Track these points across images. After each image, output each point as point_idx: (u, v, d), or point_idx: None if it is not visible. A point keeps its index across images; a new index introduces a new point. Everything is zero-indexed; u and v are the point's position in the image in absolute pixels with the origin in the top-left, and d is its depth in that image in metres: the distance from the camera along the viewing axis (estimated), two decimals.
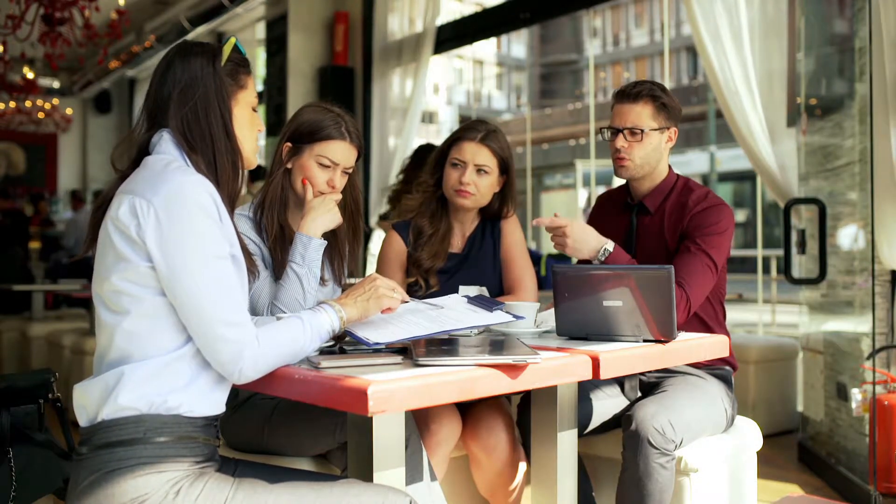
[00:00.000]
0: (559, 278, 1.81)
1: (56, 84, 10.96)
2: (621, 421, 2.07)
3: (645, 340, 1.76)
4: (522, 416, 2.16)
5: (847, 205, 3.59)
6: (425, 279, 2.34)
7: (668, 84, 4.15)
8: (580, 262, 2.29)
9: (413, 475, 1.82)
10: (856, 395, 3.14)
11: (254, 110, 1.60)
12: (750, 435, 2.31)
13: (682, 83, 25.88)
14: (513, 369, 1.46)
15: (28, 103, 9.76)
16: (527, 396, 2.16)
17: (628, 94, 2.26)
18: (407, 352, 1.55)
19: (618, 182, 2.50)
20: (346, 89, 6.44)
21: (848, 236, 3.65)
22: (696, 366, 2.25)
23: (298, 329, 1.46)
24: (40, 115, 10.65)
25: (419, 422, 2.05)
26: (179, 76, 1.50)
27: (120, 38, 7.39)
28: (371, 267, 5.88)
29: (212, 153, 1.49)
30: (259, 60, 7.54)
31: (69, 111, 11.24)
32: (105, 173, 11.23)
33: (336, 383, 1.33)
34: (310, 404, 1.44)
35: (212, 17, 7.59)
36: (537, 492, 1.92)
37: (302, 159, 2.03)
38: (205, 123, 1.49)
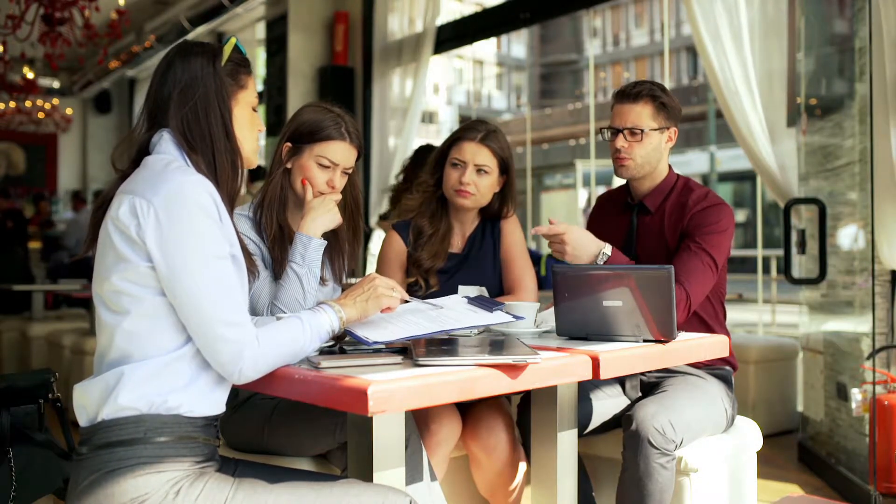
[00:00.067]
0: (559, 278, 1.81)
1: (56, 84, 10.96)
2: (621, 421, 2.07)
3: (645, 340, 1.76)
4: (522, 416, 2.16)
5: (847, 205, 3.59)
6: (425, 279, 2.34)
7: (668, 84, 4.15)
8: None
9: (413, 475, 1.82)
10: (856, 395, 3.14)
11: (254, 110, 1.60)
12: (750, 435, 2.31)
13: (682, 83, 25.88)
14: (513, 369, 1.46)
15: (28, 103, 9.76)
16: (527, 396, 2.16)
17: (628, 94, 2.26)
18: (407, 352, 1.55)
19: (618, 182, 2.50)
20: (346, 89, 6.44)
21: (848, 236, 3.65)
22: (696, 366, 2.25)
23: (298, 329, 1.46)
24: (40, 115, 10.65)
25: (419, 422, 2.05)
26: (180, 76, 1.50)
27: (120, 38, 7.39)
28: (371, 267, 5.88)
29: (211, 153, 1.49)
30: (259, 60, 7.54)
31: (69, 111, 11.24)
32: (105, 173, 11.23)
33: (336, 383, 1.33)
34: (310, 404, 1.44)
35: (212, 17, 7.58)
36: (537, 492, 1.92)
37: (302, 159, 2.03)
38: (205, 123, 1.49)
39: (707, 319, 2.27)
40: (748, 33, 3.85)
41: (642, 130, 2.24)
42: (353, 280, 2.06)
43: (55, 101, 10.95)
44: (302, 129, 2.03)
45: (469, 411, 2.22)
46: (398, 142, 6.05)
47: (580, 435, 2.11)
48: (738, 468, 2.26)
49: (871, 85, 3.03)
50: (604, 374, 1.61)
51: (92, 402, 1.40)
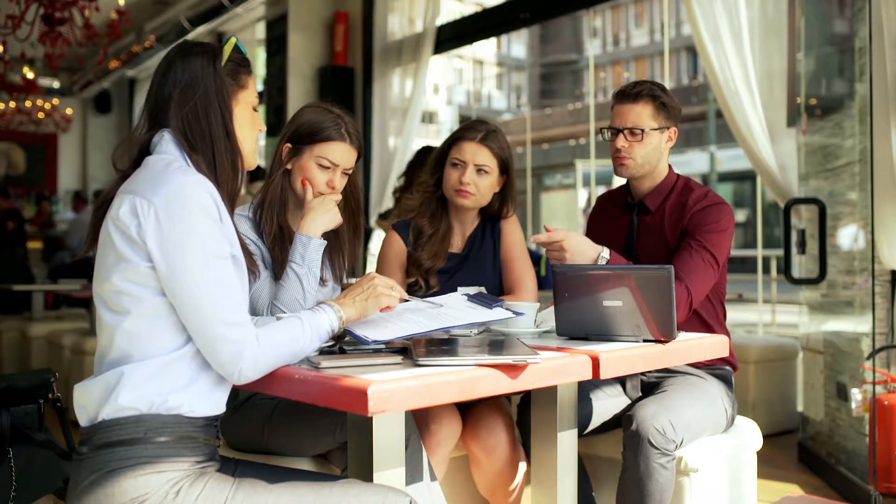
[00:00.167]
0: (559, 278, 1.81)
1: (56, 84, 10.96)
2: (621, 421, 2.07)
3: (645, 340, 1.76)
4: (522, 416, 2.16)
5: (847, 205, 3.59)
6: (425, 279, 2.34)
7: (668, 84, 4.15)
8: None
9: (413, 475, 1.82)
10: (856, 395, 3.14)
11: (254, 110, 1.60)
12: (750, 435, 2.31)
13: (682, 83, 25.88)
14: (513, 369, 1.46)
15: (28, 103, 9.76)
16: (527, 396, 2.16)
17: (628, 94, 2.27)
18: (407, 352, 1.55)
19: (618, 182, 2.50)
20: (346, 89, 6.43)
21: (848, 236, 3.65)
22: (696, 366, 2.25)
23: (298, 329, 1.46)
24: (40, 115, 10.65)
25: (419, 422, 2.05)
26: (180, 76, 1.50)
27: (120, 38, 7.39)
28: (371, 267, 5.87)
29: (212, 153, 1.49)
30: (259, 60, 7.54)
31: (69, 111, 11.23)
32: (105, 173, 11.23)
33: (336, 383, 1.33)
34: (310, 404, 1.44)
35: (212, 17, 7.58)
36: (537, 492, 1.92)
37: (302, 160, 2.03)
38: (205, 123, 1.49)
39: (707, 319, 2.27)
40: (748, 33, 3.85)
41: (642, 130, 2.24)
42: (353, 280, 2.06)
43: (55, 101, 10.95)
44: (302, 130, 2.03)
45: (469, 411, 2.22)
46: (398, 142, 6.05)
47: (580, 435, 2.11)
48: (738, 468, 2.26)
49: (871, 85, 3.03)
50: (604, 374, 1.61)
51: (92, 401, 1.40)
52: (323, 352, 1.57)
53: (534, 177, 12.71)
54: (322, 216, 1.96)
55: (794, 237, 3.92)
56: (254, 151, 1.61)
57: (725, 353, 1.98)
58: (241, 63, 1.57)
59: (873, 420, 2.93)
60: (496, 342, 1.67)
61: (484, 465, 2.19)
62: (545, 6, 5.35)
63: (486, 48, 31.85)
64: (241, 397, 1.98)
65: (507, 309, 1.76)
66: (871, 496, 2.91)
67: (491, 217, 2.43)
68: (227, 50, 1.55)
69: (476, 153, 2.30)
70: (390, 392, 1.29)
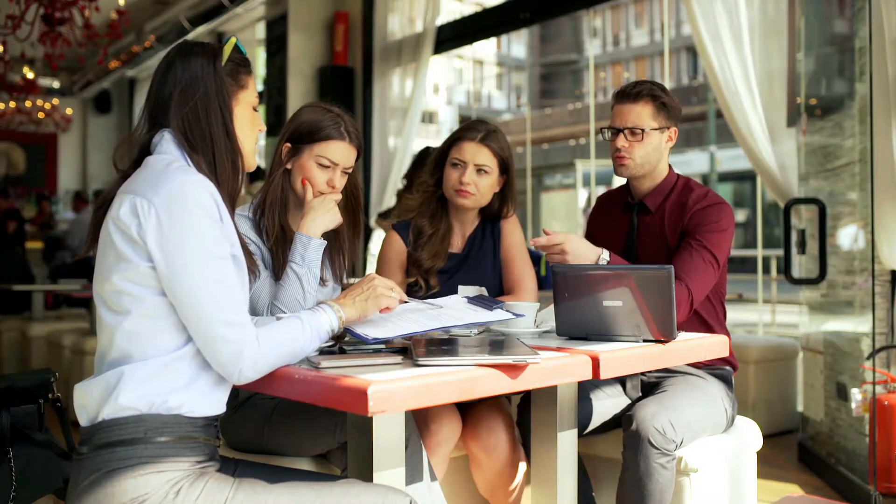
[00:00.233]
0: (559, 278, 1.81)
1: (56, 84, 10.96)
2: (621, 421, 2.07)
3: (645, 340, 1.76)
4: (522, 416, 2.16)
5: (847, 205, 3.59)
6: (425, 279, 2.33)
7: (668, 84, 4.15)
8: None
9: (413, 475, 1.82)
10: (856, 395, 3.14)
11: (254, 110, 1.60)
12: (750, 435, 2.31)
13: (682, 83, 25.88)
14: (513, 369, 1.46)
15: (28, 103, 9.76)
16: (527, 396, 2.16)
17: (628, 94, 2.27)
18: (407, 352, 1.55)
19: (618, 182, 2.50)
20: (346, 89, 6.44)
21: (848, 236, 3.65)
22: (696, 366, 2.25)
23: (298, 329, 1.46)
24: (40, 115, 10.65)
25: (419, 422, 2.05)
26: (180, 76, 1.50)
27: (120, 38, 7.39)
28: (371, 267, 5.88)
29: (212, 153, 1.49)
30: (259, 60, 7.54)
31: (69, 111, 11.23)
32: (105, 173, 11.24)
33: (336, 383, 1.33)
34: (310, 404, 1.44)
35: (212, 17, 7.58)
36: (537, 492, 1.92)
37: (301, 160, 2.03)
38: (205, 123, 1.49)
39: (707, 319, 2.27)
40: (748, 33, 3.85)
41: (643, 130, 2.24)
42: (353, 280, 2.07)
43: (55, 101, 10.95)
44: (301, 130, 2.03)
45: (469, 411, 2.22)
46: (398, 142, 6.05)
47: (580, 435, 2.11)
48: (738, 468, 2.26)
49: (871, 85, 3.03)
50: (604, 374, 1.61)
51: (92, 401, 1.40)
52: (323, 352, 1.57)
53: (534, 177, 12.71)
54: (322, 216, 1.96)
55: (794, 237, 3.92)
56: (254, 151, 1.61)
57: (725, 353, 1.98)
58: (241, 63, 1.57)
59: (873, 420, 2.93)
60: (496, 342, 1.67)
61: (484, 465, 2.19)
62: (545, 6, 5.35)
63: (486, 48, 31.86)
64: (241, 397, 1.98)
65: (506, 311, 1.76)
66: (871, 496, 2.91)
67: (491, 217, 2.43)
68: (227, 50, 1.55)
69: (476, 153, 2.30)
70: (390, 392, 1.29)
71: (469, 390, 1.42)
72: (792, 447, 3.97)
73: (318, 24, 6.62)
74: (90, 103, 11.71)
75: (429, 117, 26.56)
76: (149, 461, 1.36)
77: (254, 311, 1.90)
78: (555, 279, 1.82)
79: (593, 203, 2.62)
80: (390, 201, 5.87)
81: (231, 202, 1.50)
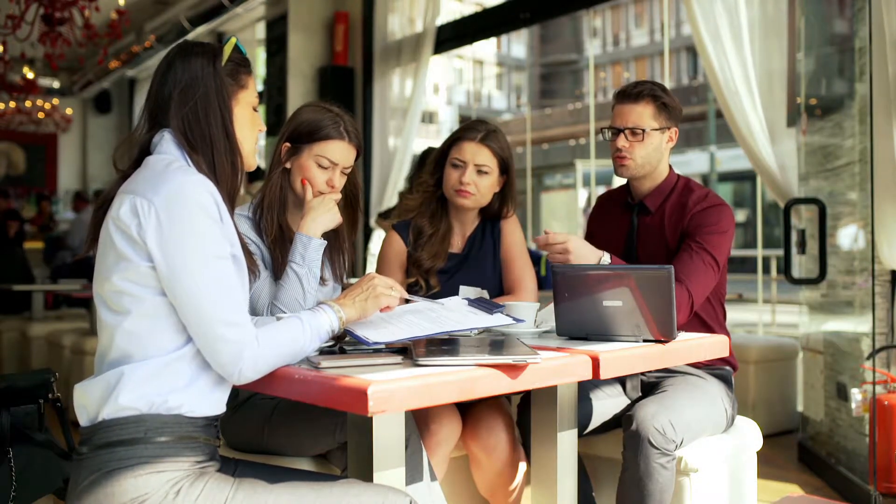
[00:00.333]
0: (559, 278, 1.81)
1: (56, 84, 10.96)
2: (621, 421, 2.07)
3: (645, 340, 1.76)
4: (522, 416, 2.16)
5: (847, 205, 3.59)
6: (425, 279, 2.33)
7: (668, 84, 4.16)
8: None
9: (413, 475, 1.82)
10: (856, 395, 3.14)
11: (254, 110, 1.60)
12: (750, 435, 2.31)
13: (682, 83, 25.88)
14: (513, 369, 1.46)
15: (28, 103, 9.76)
16: (527, 396, 2.16)
17: (629, 94, 2.26)
18: (407, 352, 1.55)
19: (618, 182, 2.50)
20: (346, 89, 6.44)
21: (848, 236, 3.65)
22: (696, 366, 2.25)
23: (298, 329, 1.46)
24: (40, 115, 10.65)
25: (419, 422, 2.05)
26: (180, 76, 1.50)
27: (120, 38, 7.39)
28: (371, 267, 5.88)
29: (211, 153, 1.49)
30: (259, 60, 7.54)
31: (69, 111, 11.24)
32: (105, 173, 11.24)
33: (336, 383, 1.33)
34: (310, 404, 1.43)
35: (212, 17, 7.59)
36: (537, 492, 1.92)
37: (301, 159, 2.02)
38: (205, 123, 1.49)
39: (707, 320, 2.27)
40: (748, 33, 3.85)
41: (643, 130, 2.24)
42: (353, 280, 2.06)
43: (55, 101, 10.95)
44: (301, 129, 2.02)
45: (469, 411, 2.22)
46: (398, 142, 6.05)
47: (580, 435, 2.11)
48: (738, 468, 2.26)
49: (871, 85, 3.03)
50: (604, 374, 1.61)
51: (92, 401, 1.40)
52: (323, 352, 1.57)
53: (534, 177, 12.72)
54: (322, 216, 1.96)
55: (794, 237, 3.92)
56: (254, 151, 1.61)
57: (725, 353, 1.98)
58: (241, 63, 1.57)
59: (873, 420, 2.93)
60: (496, 342, 1.67)
61: (484, 465, 2.19)
62: (545, 6, 5.35)
63: (486, 48, 31.85)
64: (241, 397, 1.98)
65: (507, 315, 1.76)
66: (871, 496, 2.91)
67: (491, 217, 2.43)
68: (227, 50, 1.55)
69: (476, 153, 2.30)
70: (390, 392, 1.29)
71: (469, 390, 1.42)
72: (792, 447, 3.97)
73: (318, 24, 6.63)
74: (90, 103, 11.71)
75: (429, 117, 26.56)
76: (149, 461, 1.36)
77: (254, 311, 1.90)
78: (555, 279, 1.82)
79: (593, 203, 2.62)
80: (390, 201, 5.88)
81: (230, 202, 1.50)
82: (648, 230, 2.32)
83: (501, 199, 2.40)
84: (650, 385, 2.26)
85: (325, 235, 1.99)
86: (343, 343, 1.62)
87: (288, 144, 2.05)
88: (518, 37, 32.63)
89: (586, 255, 2.10)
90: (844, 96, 3.71)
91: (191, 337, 1.41)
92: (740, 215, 21.70)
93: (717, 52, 3.87)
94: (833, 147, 3.74)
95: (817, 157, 3.90)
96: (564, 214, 11.78)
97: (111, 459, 1.36)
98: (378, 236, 5.95)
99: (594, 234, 2.45)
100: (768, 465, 3.56)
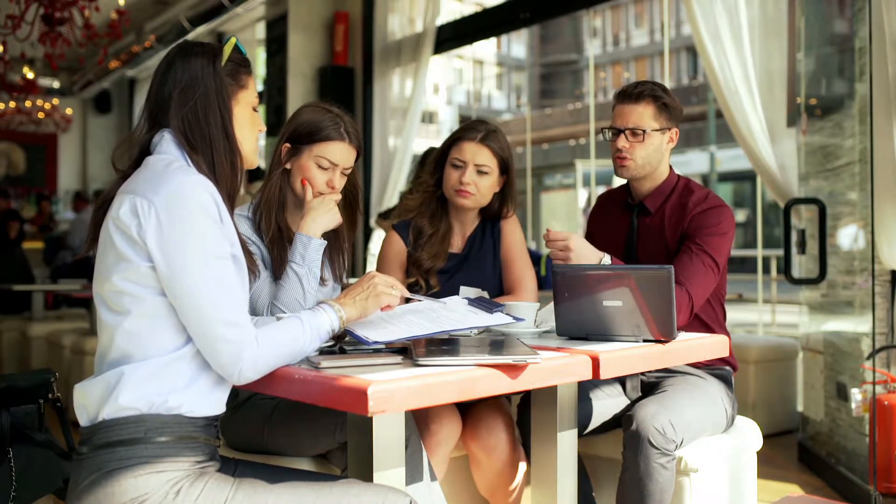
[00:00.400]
0: (559, 278, 1.81)
1: (56, 84, 10.97)
2: (621, 421, 2.07)
3: (645, 340, 1.76)
4: (522, 416, 2.16)
5: (847, 205, 3.59)
6: (425, 279, 2.34)
7: (668, 84, 4.15)
8: None
9: (413, 475, 1.82)
10: (856, 395, 3.14)
11: (254, 110, 1.60)
12: (750, 435, 2.31)
13: (682, 83, 25.88)
14: (513, 369, 1.46)
15: (28, 103, 9.76)
16: (527, 396, 2.16)
17: (630, 94, 2.26)
18: (407, 352, 1.55)
19: (618, 181, 2.50)
20: (346, 89, 6.44)
21: (848, 236, 3.65)
22: (696, 366, 2.25)
23: (298, 329, 1.46)
24: (40, 115, 10.66)
25: (419, 422, 2.05)
26: (180, 76, 1.50)
27: (120, 38, 7.39)
28: (371, 267, 5.87)
29: (211, 153, 1.49)
30: (259, 60, 7.55)
31: (69, 111, 11.24)
32: (105, 173, 11.24)
33: (336, 383, 1.33)
34: (310, 404, 1.43)
35: (212, 17, 7.59)
36: (537, 492, 1.92)
37: (301, 160, 2.02)
38: (205, 123, 1.49)
39: (707, 320, 2.27)
40: (748, 33, 3.85)
41: (644, 131, 2.24)
42: (353, 280, 2.06)
43: (55, 101, 10.96)
44: (301, 130, 2.02)
45: (469, 411, 2.22)
46: (398, 142, 6.05)
47: (580, 435, 2.11)
48: (738, 468, 2.26)
49: (871, 85, 3.03)
50: (604, 374, 1.61)
51: (92, 401, 1.40)
52: (323, 352, 1.57)
53: (534, 177, 12.71)
54: (322, 216, 1.96)
55: (794, 237, 3.92)
56: (254, 151, 1.61)
57: (725, 353, 1.98)
58: (241, 63, 1.57)
59: (873, 420, 2.93)
60: (496, 342, 1.67)
61: (484, 465, 2.19)
62: (545, 6, 5.35)
63: (486, 48, 31.85)
64: (241, 397, 1.98)
65: (507, 314, 1.76)
66: (871, 496, 2.91)
67: (491, 217, 2.43)
68: (227, 50, 1.55)
69: (476, 153, 2.30)
70: (390, 392, 1.29)
71: (469, 390, 1.42)
72: (792, 447, 3.97)
73: (318, 24, 6.63)
74: (90, 103, 11.71)
75: (429, 117, 26.56)
76: (149, 461, 1.36)
77: (254, 311, 1.90)
78: (555, 279, 1.82)
79: (593, 203, 2.62)
80: (390, 201, 5.88)
81: (230, 202, 1.51)
82: (648, 231, 2.32)
83: (501, 199, 2.40)
84: (650, 385, 2.26)
85: (325, 235, 1.99)
86: (343, 343, 1.62)
87: (288, 145, 2.05)
88: (518, 37, 32.63)
89: (587, 254, 2.10)
90: (844, 96, 3.71)
91: (191, 337, 1.41)
92: (740, 215, 21.70)
93: (717, 52, 3.87)
94: (833, 147, 3.74)
95: (817, 157, 3.90)
96: (564, 214, 11.78)
97: (111, 459, 1.36)
98: (378, 236, 5.95)
99: (594, 234, 2.45)
100: (768, 465, 3.56)
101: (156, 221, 1.37)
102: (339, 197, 2.03)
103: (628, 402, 2.26)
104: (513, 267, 2.39)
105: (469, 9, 17.98)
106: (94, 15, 5.51)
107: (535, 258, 4.48)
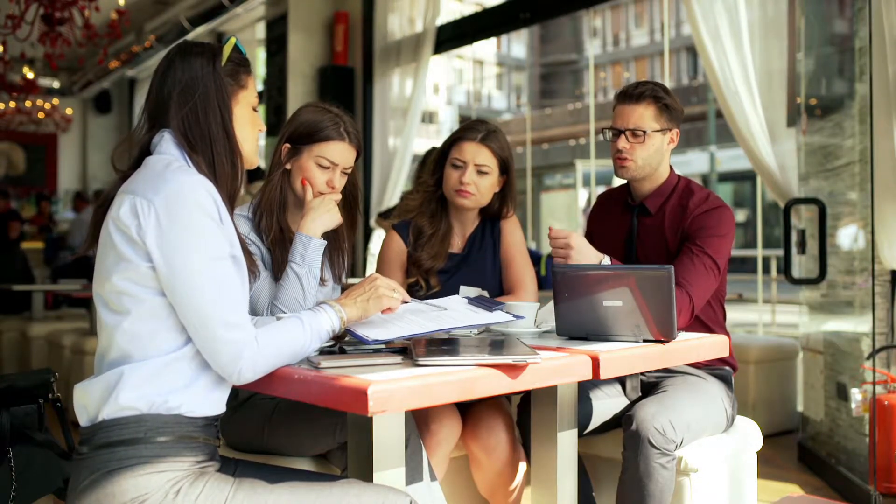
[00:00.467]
0: (559, 278, 1.81)
1: (56, 84, 10.97)
2: (621, 421, 2.07)
3: (645, 340, 1.76)
4: (522, 416, 2.16)
5: (847, 205, 3.59)
6: (425, 279, 2.33)
7: (668, 84, 4.16)
8: None
9: (413, 475, 1.82)
10: (856, 395, 3.14)
11: (254, 110, 1.60)
12: (750, 435, 2.31)
13: (682, 83, 25.87)
14: (513, 369, 1.46)
15: (28, 103, 9.77)
16: (527, 396, 2.16)
17: (631, 94, 2.26)
18: (407, 352, 1.55)
19: (618, 181, 2.50)
20: (346, 89, 6.44)
21: (848, 236, 3.65)
22: (696, 366, 2.25)
23: (298, 329, 1.46)
24: (40, 115, 10.66)
25: (419, 422, 2.05)
26: (180, 76, 1.50)
27: (120, 38, 7.39)
28: (371, 267, 5.88)
29: (211, 153, 1.49)
30: (259, 60, 7.55)
31: (69, 111, 11.24)
32: (105, 173, 11.24)
33: (336, 383, 1.33)
34: (310, 404, 1.43)
35: (212, 17, 7.59)
36: (537, 492, 1.92)
37: (301, 160, 2.02)
38: (205, 123, 1.49)
39: (707, 321, 2.27)
40: (748, 33, 3.85)
41: (644, 132, 2.24)
42: (353, 280, 2.06)
43: (55, 101, 10.96)
44: (301, 130, 2.02)
45: (469, 411, 2.22)
46: (398, 142, 6.05)
47: (580, 435, 2.11)
48: (738, 468, 2.26)
49: (871, 85, 3.03)
50: (604, 374, 1.61)
51: (92, 401, 1.40)
52: (323, 352, 1.57)
53: (534, 177, 12.72)
54: (322, 216, 1.96)
55: (794, 237, 3.92)
56: (254, 151, 1.61)
57: (725, 353, 1.98)
58: (240, 63, 1.57)
59: (873, 420, 2.93)
60: (496, 342, 1.67)
61: (484, 465, 2.19)
62: (545, 6, 5.35)
63: (486, 48, 31.83)
64: (241, 397, 1.98)
65: (507, 312, 1.76)
66: (871, 496, 2.91)
67: (491, 217, 2.43)
68: (227, 50, 1.55)
69: (476, 153, 2.30)
70: (390, 392, 1.29)
71: (469, 390, 1.42)
72: (792, 447, 3.97)
73: (318, 24, 6.63)
74: (90, 103, 11.72)
75: (429, 117, 26.55)
76: (149, 461, 1.36)
77: (254, 311, 1.90)
78: (555, 279, 1.82)
79: (593, 203, 2.62)
80: (390, 201, 5.88)
81: (230, 202, 1.51)
82: (648, 231, 2.32)
83: (501, 199, 2.40)
84: (650, 385, 2.26)
85: (325, 236, 1.99)
86: (343, 343, 1.62)
87: (288, 145, 2.05)
88: (518, 37, 32.62)
89: (588, 254, 2.10)
90: (844, 96, 3.71)
91: (190, 337, 1.41)
92: (740, 215, 21.70)
93: (717, 52, 3.87)
94: (833, 147, 3.74)
95: (817, 157, 3.90)
96: (564, 214, 11.78)
97: (111, 459, 1.36)
98: (378, 236, 5.95)
99: (594, 234, 2.45)
100: (768, 465, 3.56)
101: (155, 222, 1.37)
102: (339, 197, 2.03)
103: (628, 402, 2.26)
104: (513, 267, 2.39)
105: (469, 9, 17.97)
106: (94, 15, 5.51)
107: (535, 258, 4.48)
